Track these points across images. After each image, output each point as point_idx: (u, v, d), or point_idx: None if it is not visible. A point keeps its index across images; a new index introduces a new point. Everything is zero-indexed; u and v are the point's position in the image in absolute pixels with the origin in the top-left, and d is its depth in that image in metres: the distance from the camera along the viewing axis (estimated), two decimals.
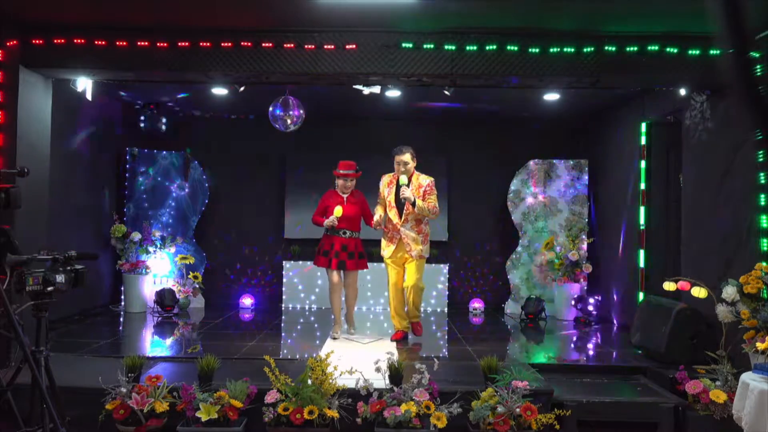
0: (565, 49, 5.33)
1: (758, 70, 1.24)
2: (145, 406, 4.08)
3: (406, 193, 5.91)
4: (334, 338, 6.26)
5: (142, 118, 8.11)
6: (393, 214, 6.09)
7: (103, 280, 7.92)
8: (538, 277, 8.28)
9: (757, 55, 1.24)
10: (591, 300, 7.79)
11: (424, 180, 6.06)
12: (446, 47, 5.35)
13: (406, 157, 6.00)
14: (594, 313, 7.72)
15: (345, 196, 6.33)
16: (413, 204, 5.91)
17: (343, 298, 6.52)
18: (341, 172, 6.32)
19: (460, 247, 8.93)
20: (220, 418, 4.06)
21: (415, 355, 5.67)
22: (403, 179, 5.97)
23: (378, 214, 6.17)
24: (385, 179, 6.23)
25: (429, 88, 6.17)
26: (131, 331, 7.01)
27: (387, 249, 6.14)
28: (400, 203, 6.05)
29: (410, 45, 5.35)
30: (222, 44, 5.34)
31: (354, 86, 5.98)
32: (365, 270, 6.66)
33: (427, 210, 5.96)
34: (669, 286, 5.16)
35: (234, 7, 4.99)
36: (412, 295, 6.12)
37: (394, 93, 6.89)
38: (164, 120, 8.30)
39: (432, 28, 5.33)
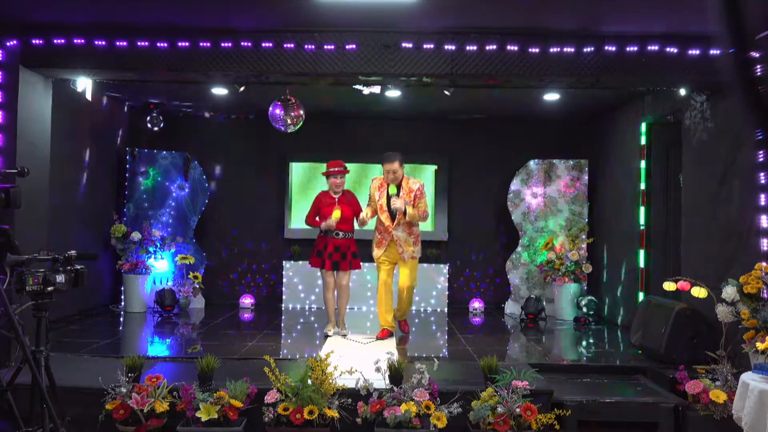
0: (565, 49, 5.33)
1: (758, 70, 1.24)
2: (145, 406, 4.07)
3: (398, 203, 6.04)
4: (327, 335, 6.37)
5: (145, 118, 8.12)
6: (385, 217, 6.20)
7: (103, 280, 7.92)
8: (538, 277, 8.28)
9: (757, 55, 1.24)
10: (591, 300, 7.78)
11: (414, 184, 6.21)
12: (446, 47, 5.35)
13: (395, 165, 6.10)
14: (594, 313, 7.72)
15: (337, 197, 6.40)
16: (404, 213, 6.05)
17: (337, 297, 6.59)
18: (332, 170, 6.41)
19: (461, 247, 8.92)
20: (220, 418, 4.06)
21: (415, 356, 5.66)
22: (393, 189, 6.12)
23: (365, 212, 6.29)
24: (375, 183, 6.32)
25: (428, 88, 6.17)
26: (131, 331, 7.01)
27: (378, 250, 6.28)
28: (392, 209, 6.16)
29: (410, 45, 5.35)
30: (222, 44, 5.34)
31: (354, 86, 5.98)
32: (361, 270, 6.81)
33: (417, 217, 6.13)
34: (669, 286, 5.15)
35: (234, 7, 4.98)
36: (407, 295, 6.35)
37: (394, 93, 6.89)
38: (163, 120, 8.31)
39: (432, 28, 5.33)
